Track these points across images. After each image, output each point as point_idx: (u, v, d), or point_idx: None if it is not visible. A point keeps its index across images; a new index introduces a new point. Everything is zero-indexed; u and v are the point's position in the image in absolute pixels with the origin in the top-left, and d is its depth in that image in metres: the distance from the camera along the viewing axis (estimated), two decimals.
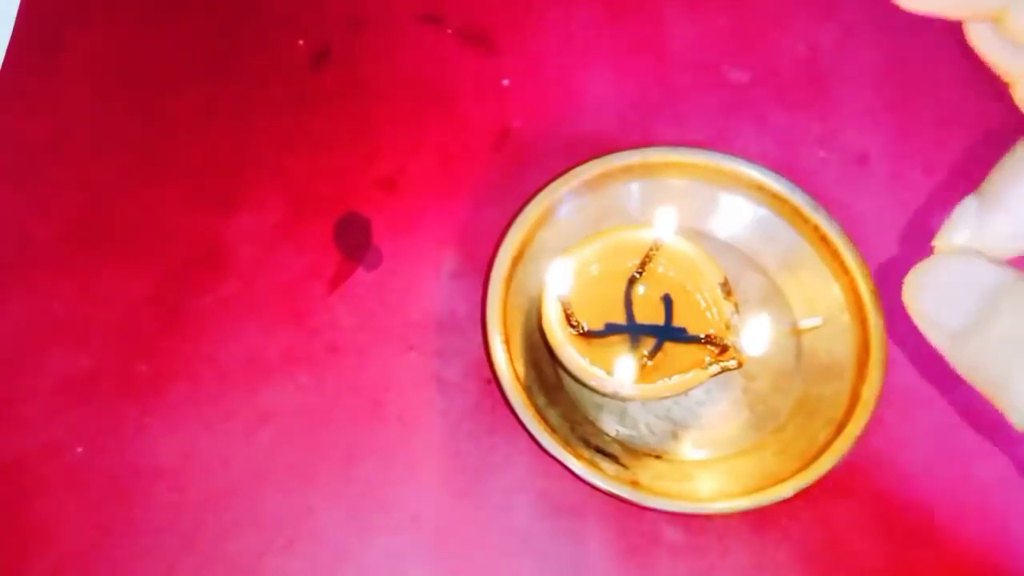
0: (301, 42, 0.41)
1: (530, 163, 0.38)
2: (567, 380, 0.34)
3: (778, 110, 0.40)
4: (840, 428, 0.31)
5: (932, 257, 0.17)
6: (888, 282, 0.34)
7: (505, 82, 0.40)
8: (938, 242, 0.18)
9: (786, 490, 0.30)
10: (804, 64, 0.41)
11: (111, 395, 0.34)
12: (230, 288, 0.36)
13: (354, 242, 0.37)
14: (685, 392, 0.32)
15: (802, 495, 0.30)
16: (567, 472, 0.30)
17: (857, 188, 0.38)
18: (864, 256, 0.33)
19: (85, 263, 0.36)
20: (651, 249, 0.33)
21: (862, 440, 0.30)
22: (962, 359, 0.16)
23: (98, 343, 0.35)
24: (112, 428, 0.34)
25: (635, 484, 0.30)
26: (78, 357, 0.35)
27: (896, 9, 0.18)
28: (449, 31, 0.41)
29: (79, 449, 0.33)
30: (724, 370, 0.31)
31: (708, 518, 0.33)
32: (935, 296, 0.17)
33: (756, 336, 0.31)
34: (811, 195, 0.34)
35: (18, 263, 0.36)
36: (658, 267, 0.33)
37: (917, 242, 0.37)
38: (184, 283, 0.36)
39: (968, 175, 0.39)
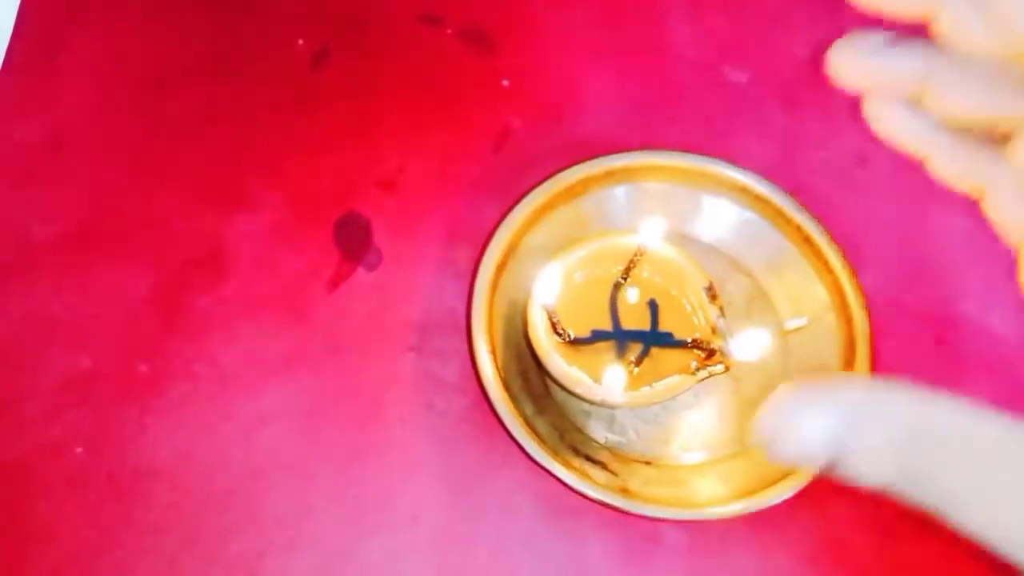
0: (301, 42, 0.41)
1: (530, 163, 0.38)
2: (554, 388, 0.34)
3: (778, 110, 0.40)
4: None
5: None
6: (888, 282, 0.34)
7: (505, 82, 0.40)
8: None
9: (779, 492, 0.30)
10: (804, 64, 0.41)
11: (111, 395, 0.34)
12: (230, 288, 0.36)
13: (354, 242, 0.37)
14: (672, 397, 0.32)
15: (801, 495, 0.30)
16: None
17: (857, 188, 0.38)
18: (863, 257, 0.33)
19: (85, 263, 0.36)
20: (636, 255, 0.33)
21: None
22: None
23: (98, 343, 0.35)
24: (112, 428, 0.34)
25: (625, 491, 0.30)
26: (78, 357, 0.35)
27: None
28: (449, 31, 0.41)
29: (79, 449, 0.33)
30: (711, 375, 0.31)
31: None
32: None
33: (747, 345, 0.31)
34: (809, 196, 0.34)
35: (18, 263, 0.36)
36: (643, 272, 0.33)
37: (917, 243, 0.37)
38: (184, 283, 0.36)
39: None
